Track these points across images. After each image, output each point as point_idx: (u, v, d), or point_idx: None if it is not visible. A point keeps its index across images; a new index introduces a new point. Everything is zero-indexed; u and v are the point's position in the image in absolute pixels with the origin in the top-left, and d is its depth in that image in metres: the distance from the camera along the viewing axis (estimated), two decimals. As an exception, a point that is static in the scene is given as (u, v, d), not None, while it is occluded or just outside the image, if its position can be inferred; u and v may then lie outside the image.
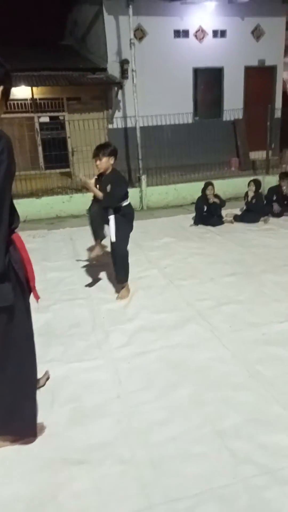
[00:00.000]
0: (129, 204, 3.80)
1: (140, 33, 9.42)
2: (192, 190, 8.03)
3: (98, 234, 3.81)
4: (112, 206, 3.60)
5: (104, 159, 3.55)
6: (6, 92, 1.77)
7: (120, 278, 3.77)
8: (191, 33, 9.90)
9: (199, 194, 6.46)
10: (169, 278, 4.13)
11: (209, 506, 1.67)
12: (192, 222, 6.44)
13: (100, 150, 3.55)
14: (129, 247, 5.32)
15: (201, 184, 6.55)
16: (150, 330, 3.13)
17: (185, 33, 9.87)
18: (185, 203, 8.06)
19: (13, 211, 1.78)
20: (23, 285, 1.81)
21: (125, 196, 3.70)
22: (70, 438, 2.09)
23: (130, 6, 7.66)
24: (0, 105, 1.77)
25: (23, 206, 7.49)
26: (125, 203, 3.71)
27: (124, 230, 3.70)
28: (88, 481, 1.83)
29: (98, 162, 3.59)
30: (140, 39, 9.46)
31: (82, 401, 2.37)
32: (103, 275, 4.40)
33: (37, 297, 1.96)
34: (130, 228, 3.80)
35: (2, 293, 1.70)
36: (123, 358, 2.79)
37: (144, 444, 2.02)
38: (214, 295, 3.66)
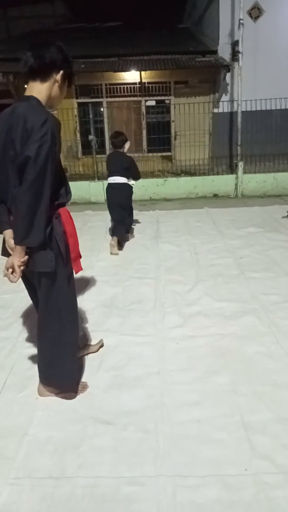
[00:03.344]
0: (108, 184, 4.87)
1: (256, 12, 8.96)
2: (293, 180, 7.57)
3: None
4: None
5: (126, 144, 4.87)
6: (68, 77, 1.94)
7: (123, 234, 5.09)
8: (315, 8, 9.08)
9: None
10: (241, 269, 4.03)
11: (213, 490, 1.69)
12: (286, 213, 6.09)
13: (125, 136, 4.85)
14: (210, 233, 5.36)
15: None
16: (206, 316, 3.14)
17: (308, 10, 9.09)
18: (284, 194, 7.62)
19: (60, 187, 1.95)
20: (63, 256, 1.98)
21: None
22: (104, 401, 2.26)
23: (244, -16, 7.33)
24: (62, 89, 1.94)
25: (120, 187, 7.90)
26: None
27: (131, 202, 5.11)
28: (109, 440, 1.98)
29: None
30: (256, 18, 9.00)
31: (124, 370, 2.52)
32: (178, 257, 4.48)
33: (77, 269, 2.11)
34: (109, 205, 4.96)
35: (45, 260, 1.90)
36: (173, 338, 2.86)
37: (169, 420, 2.09)
38: (284, 291, 3.48)
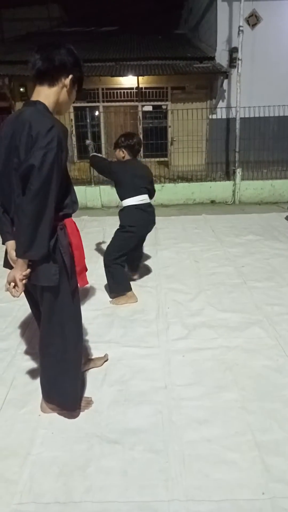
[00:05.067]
0: (135, 210, 3.32)
1: (253, 19, 9.01)
2: (290, 187, 7.58)
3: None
4: (91, 164, 3.50)
5: (117, 150, 3.36)
6: (78, 81, 1.85)
7: (108, 287, 3.62)
8: (312, 17, 9.16)
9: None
10: (243, 278, 3.98)
11: (229, 516, 1.62)
12: (285, 221, 6.10)
13: (118, 140, 3.36)
14: (209, 240, 5.28)
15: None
16: (211, 327, 3.07)
17: (305, 18, 9.17)
18: (281, 201, 7.62)
19: (66, 197, 1.85)
20: (68, 269, 1.88)
21: (124, 191, 3.34)
22: (110, 418, 2.17)
23: (243, -8, 7.34)
24: (70, 94, 1.85)
25: (117, 192, 7.83)
26: (128, 203, 3.34)
27: (114, 241, 3.45)
28: (117, 461, 1.89)
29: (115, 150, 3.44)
30: (254, 25, 9.04)
31: (129, 385, 2.44)
32: (178, 265, 4.41)
33: (82, 283, 2.02)
34: (126, 242, 3.41)
35: (48, 274, 1.80)
36: (178, 350, 2.79)
37: (178, 439, 2.01)
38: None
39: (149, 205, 3.43)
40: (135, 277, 4.00)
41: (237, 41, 7.91)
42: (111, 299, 3.60)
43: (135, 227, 3.35)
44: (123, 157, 3.34)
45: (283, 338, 2.88)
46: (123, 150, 3.31)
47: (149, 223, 3.44)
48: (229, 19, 8.95)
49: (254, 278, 3.96)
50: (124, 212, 3.39)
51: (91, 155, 3.56)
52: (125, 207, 3.37)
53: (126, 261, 3.57)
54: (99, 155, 3.56)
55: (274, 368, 2.54)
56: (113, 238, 3.48)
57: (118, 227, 3.46)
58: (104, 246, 4.96)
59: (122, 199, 3.37)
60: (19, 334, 3.08)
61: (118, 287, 3.53)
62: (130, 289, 3.56)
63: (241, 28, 7.59)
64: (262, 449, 1.93)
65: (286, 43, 9.20)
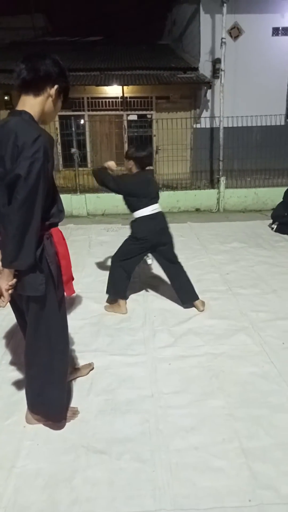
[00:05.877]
0: (149, 220, 3.31)
1: (236, 32, 9.21)
2: (273, 195, 7.69)
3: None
4: (98, 182, 3.27)
5: (125, 161, 3.31)
6: (63, 91, 1.86)
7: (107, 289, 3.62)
8: (292, 30, 9.42)
9: (281, 200, 6.29)
10: (228, 285, 4.01)
11: (217, 524, 1.62)
12: (269, 229, 6.19)
13: (128, 151, 3.31)
14: (194, 247, 5.32)
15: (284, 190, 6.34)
16: (197, 334, 3.09)
17: (285, 31, 9.42)
18: (265, 209, 7.73)
19: (53, 206, 1.85)
20: (54, 279, 1.87)
21: (136, 203, 3.29)
22: (96, 428, 2.15)
23: (225, 5, 7.49)
24: (55, 104, 1.85)
25: (103, 200, 7.82)
26: (139, 214, 3.32)
27: (122, 247, 3.50)
28: (103, 471, 1.87)
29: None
30: (236, 37, 9.24)
31: (116, 394, 2.43)
32: (163, 273, 4.41)
33: (69, 292, 2.01)
34: (134, 249, 3.42)
35: (34, 283, 1.79)
36: (164, 358, 2.79)
37: (165, 448, 2.00)
38: (273, 308, 3.48)
39: (161, 213, 3.42)
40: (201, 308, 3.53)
41: (220, 53, 8.06)
42: (105, 304, 3.65)
43: (147, 236, 3.34)
44: (130, 168, 3.29)
45: (268, 344, 2.91)
46: (131, 161, 3.25)
47: (162, 231, 3.41)
48: (212, 31, 9.13)
49: (239, 285, 4.00)
50: (136, 223, 3.37)
51: (93, 169, 3.43)
52: (137, 218, 3.34)
53: (176, 290, 3.55)
54: (106, 171, 3.30)
55: (260, 375, 2.56)
56: (124, 243, 3.50)
57: (130, 235, 3.44)
58: (91, 254, 4.96)
59: (134, 210, 3.34)
60: (4, 344, 3.03)
61: (111, 288, 3.56)
62: (123, 297, 3.57)
63: (223, 40, 7.73)
64: (249, 456, 1.94)
65: (267, 55, 9.42)
